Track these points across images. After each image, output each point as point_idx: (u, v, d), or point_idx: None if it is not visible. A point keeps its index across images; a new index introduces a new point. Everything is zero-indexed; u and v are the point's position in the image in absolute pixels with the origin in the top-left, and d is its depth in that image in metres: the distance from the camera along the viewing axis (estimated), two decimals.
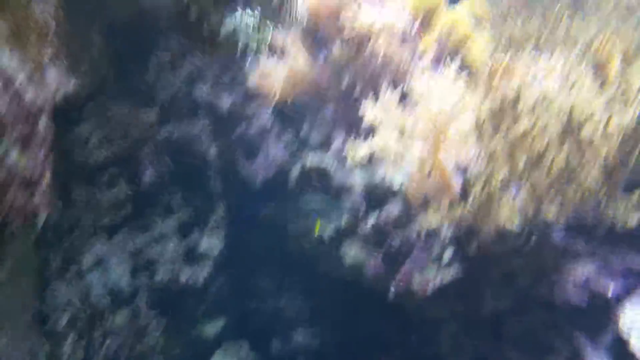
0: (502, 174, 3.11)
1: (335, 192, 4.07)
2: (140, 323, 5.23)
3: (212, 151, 5.73)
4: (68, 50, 4.07)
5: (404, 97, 3.45)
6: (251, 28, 2.58)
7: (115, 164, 5.21)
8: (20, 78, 2.92)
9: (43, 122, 3.11)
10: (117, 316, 5.05)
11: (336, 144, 4.55)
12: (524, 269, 3.62)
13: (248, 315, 5.70)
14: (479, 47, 3.80)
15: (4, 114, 2.61)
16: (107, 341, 4.99)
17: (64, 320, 4.62)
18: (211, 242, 5.66)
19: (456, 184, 3.34)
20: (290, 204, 4.74)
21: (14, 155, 2.67)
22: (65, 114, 4.62)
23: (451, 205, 3.30)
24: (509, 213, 3.07)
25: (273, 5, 2.58)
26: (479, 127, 3.18)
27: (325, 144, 4.71)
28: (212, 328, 5.58)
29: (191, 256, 5.60)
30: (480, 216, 3.20)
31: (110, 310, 4.98)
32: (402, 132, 3.35)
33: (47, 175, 3.00)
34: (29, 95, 2.94)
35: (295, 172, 4.50)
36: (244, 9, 2.58)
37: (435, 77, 3.21)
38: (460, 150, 3.32)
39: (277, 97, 3.76)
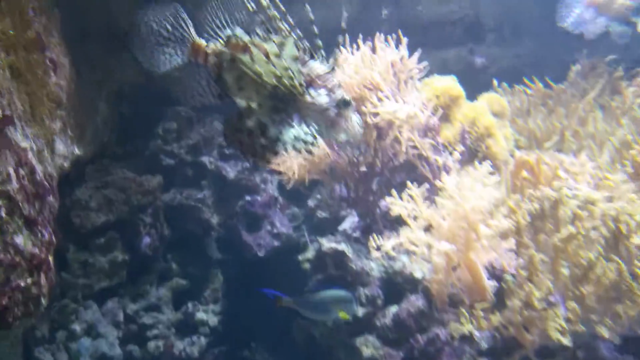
0: (544, 282, 2.98)
1: (351, 279, 3.91)
2: None
3: (214, 220, 5.59)
4: (75, 121, 4.02)
5: (430, 191, 3.38)
6: (302, 142, 2.55)
7: (114, 229, 5.05)
8: (33, 154, 2.81)
9: (50, 200, 2.98)
10: None
11: (349, 225, 4.44)
12: None
13: None
14: (501, 143, 3.78)
15: (16, 193, 2.48)
16: None
17: None
18: (207, 314, 5.43)
19: (490, 287, 3.21)
20: (298, 284, 4.56)
21: (22, 237, 2.53)
22: (66, 177, 4.49)
23: (485, 311, 3.14)
24: (553, 326, 2.89)
25: (328, 122, 2.54)
26: (516, 230, 3.09)
27: (333, 222, 4.59)
28: None
29: (186, 327, 5.35)
30: (519, 327, 3.04)
31: None
32: (428, 228, 3.26)
33: (51, 257, 2.84)
34: (39, 172, 2.83)
35: (309, 254, 4.35)
36: (299, 124, 2.55)
37: (464, 172, 3.15)
38: (495, 252, 3.21)
39: (296, 177, 3.69)
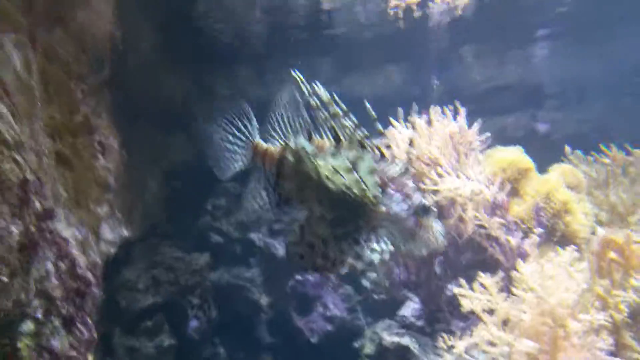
0: None
1: None
2: None
3: (264, 301, 5.31)
4: (123, 202, 3.95)
5: (503, 277, 2.99)
6: (376, 259, 2.28)
7: (161, 310, 4.85)
8: (75, 244, 2.67)
9: (92, 294, 2.79)
10: None
11: (410, 311, 4.03)
12: None
13: None
14: (580, 220, 3.37)
15: (54, 291, 2.31)
16: None
17: None
18: None
19: None
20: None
21: (58, 338, 2.32)
22: (115, 258, 4.38)
23: None
24: None
25: (406, 233, 2.26)
26: (614, 326, 2.63)
27: (391, 305, 4.20)
28: None
29: None
30: None
31: None
32: (505, 324, 2.84)
33: (91, 356, 2.62)
34: (82, 264, 2.66)
35: (367, 348, 3.95)
36: (369, 239, 2.29)
37: (544, 257, 2.75)
38: (589, 352, 2.73)
39: None
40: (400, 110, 3.81)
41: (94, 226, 3.11)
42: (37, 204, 2.09)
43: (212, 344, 5.20)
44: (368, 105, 2.36)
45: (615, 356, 2.68)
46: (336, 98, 2.26)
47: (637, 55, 5.43)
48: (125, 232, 4.03)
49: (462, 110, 3.78)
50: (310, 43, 5.54)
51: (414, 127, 3.73)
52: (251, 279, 5.31)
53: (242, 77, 5.57)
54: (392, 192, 2.24)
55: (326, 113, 2.25)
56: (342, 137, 2.28)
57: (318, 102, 2.25)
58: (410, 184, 2.26)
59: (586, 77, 5.99)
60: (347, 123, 2.26)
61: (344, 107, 2.25)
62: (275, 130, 2.53)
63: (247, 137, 2.59)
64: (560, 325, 2.66)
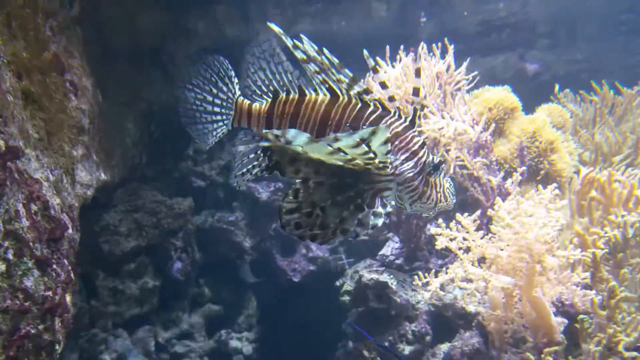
0: (632, 324, 2.52)
1: (395, 312, 3.52)
2: None
3: (247, 243, 5.33)
4: (100, 145, 3.83)
5: (483, 215, 2.99)
6: (380, 223, 2.11)
7: (144, 254, 4.85)
8: (47, 187, 2.59)
9: (68, 236, 2.75)
10: None
11: (390, 249, 4.06)
12: None
13: None
14: (566, 159, 3.34)
15: (26, 232, 2.25)
16: None
17: None
18: (241, 341, 5.16)
19: (558, 326, 2.78)
20: (336, 314, 4.21)
21: (32, 279, 2.29)
22: (93, 200, 4.34)
23: (555, 355, 2.72)
24: None
25: (414, 194, 2.08)
26: (593, 262, 2.65)
27: (372, 246, 4.23)
28: None
29: (219, 355, 5.09)
30: None
31: None
32: (483, 261, 2.86)
33: (69, 296, 2.60)
34: (55, 206, 2.60)
35: (347, 285, 3.99)
36: (372, 204, 2.08)
37: (524, 195, 2.73)
38: (564, 286, 2.78)
39: None
40: (387, 49, 3.69)
41: (69, 168, 3.02)
42: (1, 142, 1.99)
43: (197, 284, 5.26)
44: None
45: (591, 290, 2.73)
46: (326, 51, 2.04)
47: None
48: (104, 176, 3.94)
49: (451, 49, 3.67)
50: None
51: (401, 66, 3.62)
52: (234, 222, 5.30)
53: (221, 15, 5.33)
54: (397, 149, 2.04)
55: (316, 66, 2.06)
56: (339, 92, 2.13)
57: (305, 56, 2.04)
58: (417, 138, 2.06)
59: (578, 13, 5.83)
60: (341, 77, 2.06)
61: (336, 60, 2.03)
62: (257, 85, 2.31)
63: (227, 95, 2.37)
64: (537, 261, 2.69)
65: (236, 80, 2.39)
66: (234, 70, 2.40)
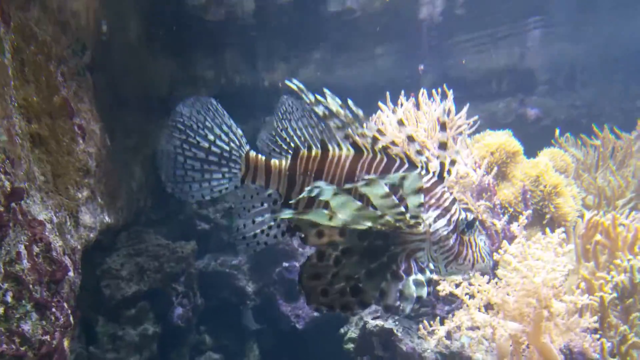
0: None
1: None
2: None
3: (250, 288, 5.27)
4: (106, 188, 3.87)
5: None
6: (424, 294, 1.86)
7: (145, 299, 4.79)
8: (52, 228, 2.60)
9: (69, 279, 2.73)
10: None
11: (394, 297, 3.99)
12: None
13: None
14: (570, 203, 3.33)
15: (26, 275, 2.24)
16: None
17: None
18: None
19: None
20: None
21: (30, 323, 2.26)
22: (97, 243, 4.32)
23: None
24: None
25: (449, 254, 1.93)
26: (601, 307, 2.61)
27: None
28: None
29: None
30: None
31: None
32: (489, 307, 2.81)
33: (67, 341, 2.56)
34: (57, 248, 2.60)
35: (352, 333, 3.91)
36: (409, 271, 1.92)
37: (533, 241, 2.71)
38: (572, 333, 2.71)
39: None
40: (388, 95, 3.76)
41: (73, 210, 3.04)
42: (7, 184, 2.02)
43: (198, 331, 5.16)
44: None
45: (600, 335, 2.67)
46: (350, 103, 1.93)
47: (629, 39, 5.39)
48: (108, 219, 3.95)
49: (450, 94, 3.74)
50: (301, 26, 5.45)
51: (401, 110, 3.68)
52: (238, 266, 5.26)
53: (229, 63, 5.49)
54: (427, 205, 1.86)
55: (338, 122, 1.94)
56: (362, 147, 2.01)
57: (327, 112, 1.93)
58: (447, 194, 1.90)
59: (576, 60, 5.97)
60: (365, 131, 1.93)
61: (360, 113, 1.91)
62: (275, 143, 2.13)
63: (230, 147, 2.12)
64: (544, 306, 2.63)
65: (240, 132, 2.17)
66: (231, 117, 2.18)
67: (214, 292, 5.27)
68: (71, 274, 2.79)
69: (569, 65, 6.14)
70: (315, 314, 5.13)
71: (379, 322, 3.51)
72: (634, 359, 2.48)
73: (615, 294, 2.76)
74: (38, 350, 2.28)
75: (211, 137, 2.14)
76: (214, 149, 2.15)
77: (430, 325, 2.97)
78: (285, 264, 5.24)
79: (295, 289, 5.20)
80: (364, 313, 3.87)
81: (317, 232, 1.84)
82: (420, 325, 3.02)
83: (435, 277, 1.97)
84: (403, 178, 1.64)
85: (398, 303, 1.87)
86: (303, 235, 1.85)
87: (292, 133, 2.15)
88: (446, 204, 1.95)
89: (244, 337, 5.31)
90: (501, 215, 3.36)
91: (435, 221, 1.92)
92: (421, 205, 1.75)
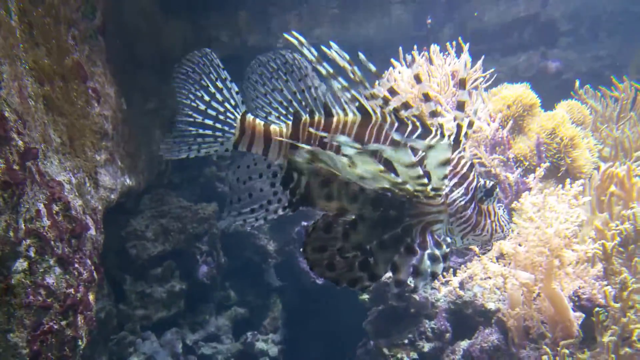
0: None
1: (415, 310, 3.50)
2: None
3: (271, 247, 5.39)
4: (125, 152, 3.97)
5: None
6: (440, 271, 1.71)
7: (170, 258, 4.97)
8: (69, 189, 2.70)
9: (91, 233, 2.85)
10: None
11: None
12: None
13: None
14: (586, 155, 3.26)
15: (47, 231, 2.35)
16: None
17: None
18: (267, 343, 5.20)
19: (576, 320, 2.73)
20: (358, 314, 4.23)
21: (54, 276, 2.39)
22: (121, 206, 4.46)
23: (572, 348, 2.67)
24: None
25: (467, 225, 1.77)
26: (604, 254, 2.60)
27: None
28: None
29: (246, 357, 5.15)
30: None
31: None
32: (502, 257, 2.83)
33: (91, 295, 2.70)
34: (77, 207, 2.70)
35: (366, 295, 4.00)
36: (424, 244, 1.73)
37: (548, 194, 2.68)
38: (582, 280, 2.73)
39: None
40: (401, 50, 3.70)
41: (91, 172, 3.14)
42: (20, 143, 2.10)
43: (223, 287, 5.34)
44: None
45: (607, 283, 2.67)
46: (362, 58, 1.68)
47: None
48: (129, 181, 4.07)
49: (466, 47, 3.65)
50: None
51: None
52: (258, 227, 5.37)
53: (243, 24, 5.45)
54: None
55: (344, 82, 1.73)
56: (371, 111, 1.81)
57: (331, 70, 1.72)
58: (464, 160, 1.74)
59: (600, 8, 5.70)
60: (375, 91, 1.71)
61: (373, 68, 1.66)
62: (270, 104, 1.92)
63: (225, 107, 1.94)
64: (555, 255, 2.64)
65: (236, 89, 1.98)
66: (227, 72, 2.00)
67: (237, 252, 5.42)
68: (92, 232, 2.91)
69: (593, 14, 5.89)
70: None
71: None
72: (636, 302, 2.48)
73: (618, 240, 2.75)
74: (63, 302, 2.42)
75: (206, 97, 1.98)
76: (209, 110, 1.98)
77: (444, 277, 3.02)
78: (304, 223, 5.33)
79: None
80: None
81: (327, 193, 1.68)
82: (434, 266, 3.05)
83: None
84: (430, 147, 1.46)
85: (411, 279, 1.71)
86: (310, 199, 1.67)
87: (290, 96, 1.93)
88: (464, 170, 1.79)
89: (267, 293, 5.47)
90: (515, 169, 3.33)
91: (452, 191, 1.76)
92: (445, 177, 1.58)
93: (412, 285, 1.73)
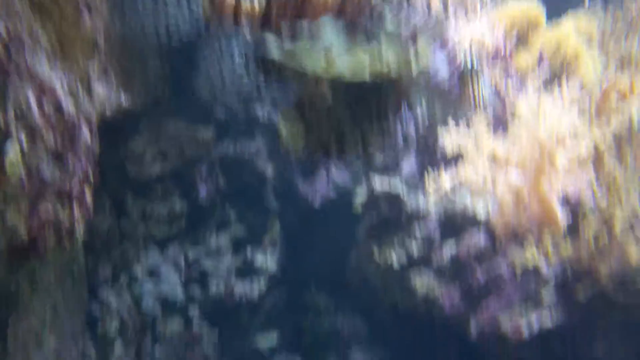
0: (627, 202, 2.55)
1: (406, 220, 3.62)
2: (192, 333, 5.07)
3: (269, 170, 5.49)
4: (119, 68, 3.99)
5: (497, 120, 2.98)
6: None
7: (169, 180, 5.10)
8: (60, 88, 2.76)
9: (85, 135, 2.94)
10: (168, 325, 4.96)
11: (407, 168, 4.12)
12: None
13: (303, 332, 5.50)
14: (588, 67, 3.26)
15: (37, 122, 2.44)
16: (157, 349, 4.85)
17: (113, 326, 4.53)
18: (266, 259, 5.42)
19: (562, 217, 2.82)
20: (352, 228, 4.39)
21: (47, 166, 2.49)
22: (120, 129, 4.56)
23: (555, 241, 2.79)
24: (638, 252, 2.49)
25: (447, 101, 1.67)
26: (597, 155, 2.66)
27: (393, 168, 4.29)
28: (265, 341, 5.37)
29: (245, 271, 5.38)
30: (596, 256, 2.65)
31: (161, 319, 4.88)
32: (493, 160, 2.89)
33: (88, 190, 2.81)
34: (69, 105, 2.78)
35: (361, 197, 4.11)
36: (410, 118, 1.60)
37: (543, 97, 2.72)
38: (571, 180, 2.80)
39: None
40: None
41: (84, 79, 3.19)
42: (2, 28, 2.14)
43: (222, 209, 5.49)
44: None
45: (595, 182, 2.74)
46: None
47: None
48: (124, 98, 4.12)
49: None
50: None
51: None
52: (256, 151, 5.45)
53: None
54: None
55: None
56: None
57: None
58: (449, 35, 1.61)
59: None
60: None
61: None
62: None
63: None
64: (547, 156, 2.70)
65: None
66: None
67: (235, 175, 5.52)
68: (86, 134, 2.99)
69: None
70: (331, 193, 5.36)
71: (386, 182, 3.68)
72: (620, 185, 2.56)
73: (611, 139, 2.79)
74: (58, 192, 2.53)
75: None
76: None
77: (435, 180, 3.09)
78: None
79: (311, 169, 5.42)
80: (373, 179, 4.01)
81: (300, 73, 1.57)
82: (426, 176, 3.14)
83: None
84: (426, 22, 1.34)
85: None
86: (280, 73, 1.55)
87: None
88: (448, 44, 1.65)
89: (266, 215, 5.62)
90: (515, 79, 3.34)
91: (436, 67, 1.60)
92: (433, 53, 1.43)
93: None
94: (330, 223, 5.12)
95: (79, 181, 2.72)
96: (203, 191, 5.26)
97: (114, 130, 4.18)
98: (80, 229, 2.68)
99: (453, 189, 3.06)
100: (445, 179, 2.93)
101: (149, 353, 4.87)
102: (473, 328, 3.26)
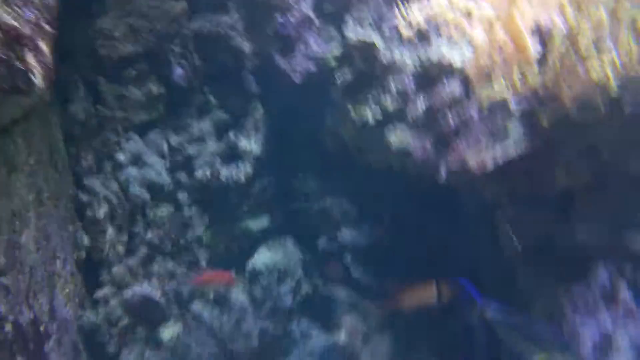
0: (594, 27, 2.42)
1: (380, 73, 3.46)
2: (182, 217, 5.10)
3: (247, 47, 5.25)
4: None
5: None
6: None
7: (143, 60, 4.87)
8: None
9: None
10: (158, 210, 4.96)
11: (384, 27, 3.92)
12: (611, 142, 2.89)
13: (292, 213, 5.53)
14: None
15: None
16: (149, 233, 4.87)
17: (102, 212, 4.50)
18: (250, 142, 5.33)
19: (532, 48, 2.69)
20: (328, 95, 4.24)
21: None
22: (86, 6, 4.31)
23: (524, 71, 2.68)
24: (601, 71, 2.38)
25: None
26: None
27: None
28: (256, 224, 5.42)
29: (230, 155, 5.32)
30: (561, 79, 2.56)
31: (150, 204, 4.88)
32: None
33: (46, 39, 2.64)
34: None
35: (335, 51, 3.91)
36: None
37: None
38: (543, 6, 2.64)
39: None
40: None
41: None
42: None
43: (202, 91, 5.31)
44: None
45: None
46: None
47: None
48: None
49: None
50: None
51: None
52: (232, 25, 5.17)
53: None
54: None
55: None
56: None
57: None
58: None
59: None
60: None
61: None
62: None
63: None
64: None
65: None
66: None
67: (211, 54, 5.29)
68: None
69: None
70: (312, 68, 5.15)
71: (361, 34, 3.50)
72: (592, 15, 2.42)
73: None
74: (7, 33, 2.36)
75: None
76: None
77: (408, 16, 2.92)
78: (280, 20, 5.14)
79: (290, 43, 5.19)
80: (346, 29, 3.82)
81: None
82: (398, 16, 2.97)
83: None
84: None
85: None
86: None
87: None
88: None
89: (247, 98, 5.47)
90: None
91: None
92: None
93: None
94: (311, 99, 4.99)
95: (31, 27, 2.54)
96: (179, 71, 5.05)
97: (80, 8, 3.94)
98: (39, 78, 2.53)
99: (428, 29, 2.90)
100: (418, 13, 2.76)
101: (141, 236, 4.90)
102: (442, 171, 3.24)
